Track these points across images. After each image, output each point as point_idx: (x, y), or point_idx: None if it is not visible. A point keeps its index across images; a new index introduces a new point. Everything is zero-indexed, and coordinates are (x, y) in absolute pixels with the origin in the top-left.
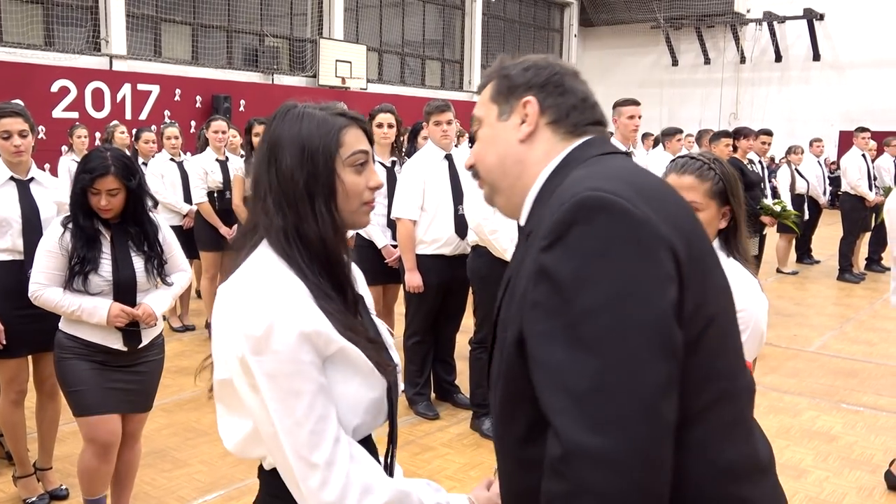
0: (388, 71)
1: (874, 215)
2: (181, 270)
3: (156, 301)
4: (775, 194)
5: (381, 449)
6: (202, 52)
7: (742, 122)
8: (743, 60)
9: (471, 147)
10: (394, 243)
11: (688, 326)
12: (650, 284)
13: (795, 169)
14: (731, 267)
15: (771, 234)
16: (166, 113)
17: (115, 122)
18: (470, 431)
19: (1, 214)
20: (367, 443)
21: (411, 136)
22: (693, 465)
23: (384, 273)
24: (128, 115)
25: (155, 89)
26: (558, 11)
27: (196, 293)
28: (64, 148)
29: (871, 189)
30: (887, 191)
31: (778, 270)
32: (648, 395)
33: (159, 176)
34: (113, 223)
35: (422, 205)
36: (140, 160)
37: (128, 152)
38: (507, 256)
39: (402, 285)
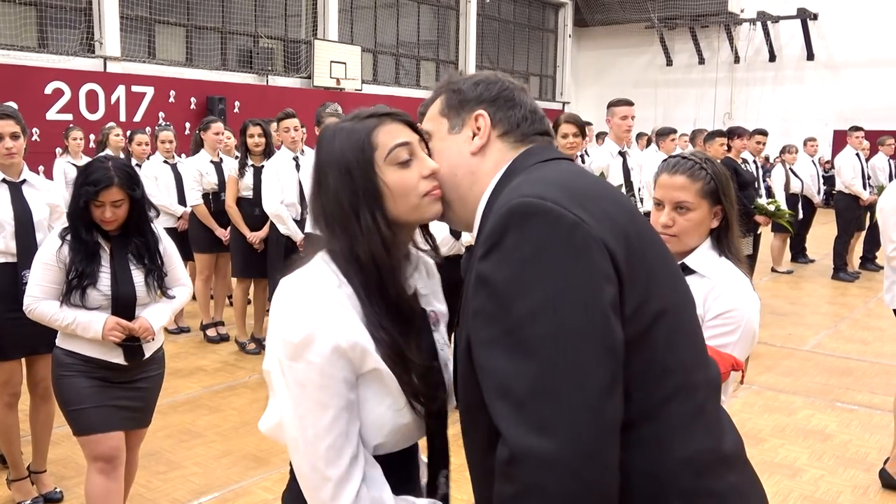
0: (383, 72)
1: (868, 214)
2: (181, 285)
3: (154, 315)
4: (769, 194)
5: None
6: (196, 53)
7: (736, 122)
8: (737, 60)
9: None
10: None
11: (632, 323)
12: (585, 286)
13: (790, 168)
14: (722, 266)
15: (765, 233)
16: (161, 114)
17: (112, 123)
18: None
19: None
20: (409, 457)
21: None
22: (652, 460)
23: None
24: (122, 117)
25: (149, 91)
26: (553, 12)
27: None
28: (58, 150)
29: (865, 188)
30: (881, 190)
31: (773, 270)
32: (591, 396)
33: (153, 178)
34: (112, 235)
35: None
36: (134, 162)
37: (122, 155)
38: None
39: None
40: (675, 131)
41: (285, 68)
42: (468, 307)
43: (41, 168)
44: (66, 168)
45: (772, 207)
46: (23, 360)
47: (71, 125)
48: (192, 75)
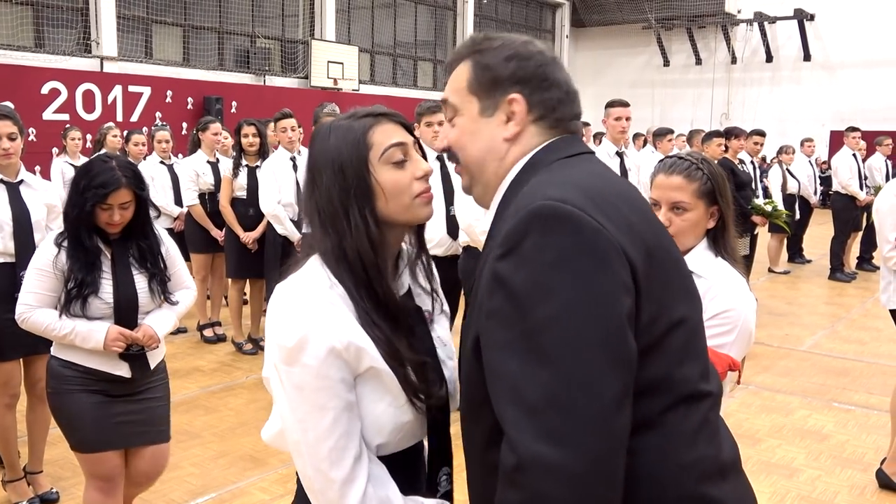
0: (380, 72)
1: (865, 215)
2: (185, 287)
3: (158, 322)
4: (766, 194)
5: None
6: (193, 53)
7: (733, 123)
8: (734, 61)
9: None
10: None
11: (646, 333)
12: (604, 296)
13: (787, 169)
14: (719, 267)
15: (762, 233)
16: (158, 115)
17: (110, 124)
18: None
19: None
20: (415, 456)
21: None
22: (654, 466)
23: None
24: (119, 117)
25: (146, 91)
26: (550, 12)
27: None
28: (55, 150)
29: (861, 189)
30: (878, 190)
31: (770, 270)
32: (603, 408)
33: (149, 179)
34: (113, 238)
35: None
36: None
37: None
38: None
39: None
40: (672, 132)
41: (282, 68)
42: (480, 305)
43: (38, 168)
44: (63, 168)
45: (769, 208)
46: (20, 360)
47: (69, 125)
48: (189, 75)
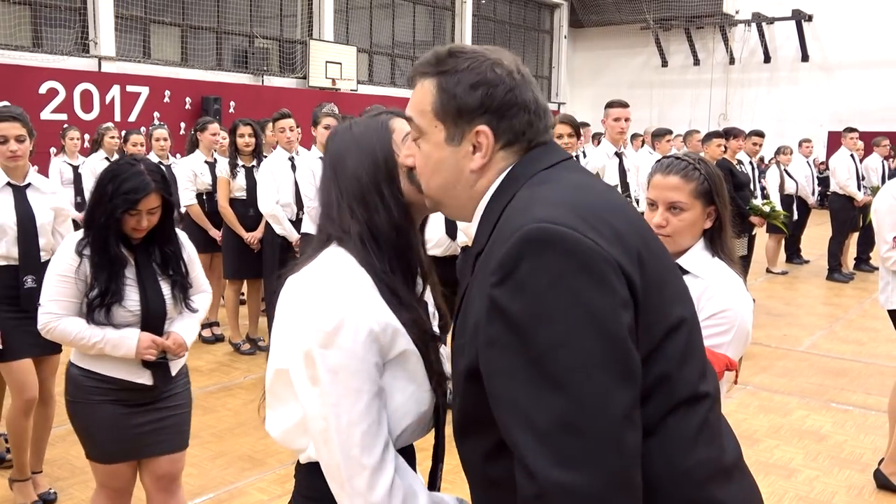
0: (379, 72)
1: (862, 215)
2: (202, 291)
3: (185, 329)
4: (764, 195)
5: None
6: (191, 53)
7: (731, 123)
8: (732, 61)
9: None
10: None
11: (645, 341)
12: (605, 314)
13: (784, 169)
14: (715, 267)
15: (760, 234)
16: (155, 115)
17: (108, 124)
18: None
19: None
20: (408, 451)
21: None
22: (656, 470)
23: None
24: (117, 117)
25: (144, 91)
26: (548, 12)
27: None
28: (53, 150)
29: (859, 189)
30: (875, 191)
31: (767, 270)
32: (615, 427)
33: None
34: (135, 244)
35: None
36: None
37: (116, 155)
38: None
39: None
40: (670, 132)
41: (281, 68)
42: (476, 327)
43: (35, 168)
44: (61, 168)
45: (766, 208)
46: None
47: (67, 125)
48: (188, 75)
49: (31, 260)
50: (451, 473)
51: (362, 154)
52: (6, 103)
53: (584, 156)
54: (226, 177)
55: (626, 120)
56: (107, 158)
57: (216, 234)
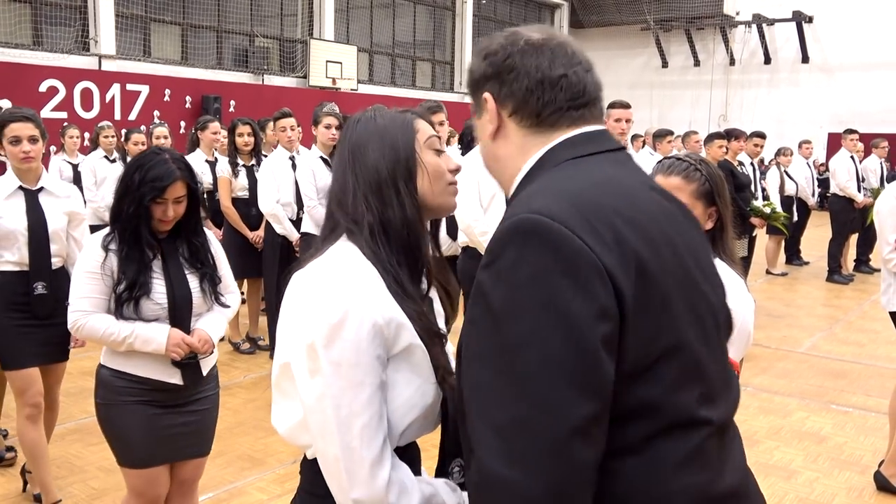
0: (379, 72)
1: (863, 217)
2: (230, 292)
3: (210, 326)
4: (765, 196)
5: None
6: (192, 52)
7: (731, 124)
8: (732, 62)
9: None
10: None
11: (635, 356)
12: (579, 321)
13: (784, 171)
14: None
15: (760, 235)
16: (156, 113)
17: (103, 124)
18: None
19: (7, 227)
20: (412, 449)
21: None
22: (637, 492)
23: None
24: (117, 116)
25: (144, 89)
26: (548, 13)
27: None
28: (52, 148)
29: (859, 191)
30: (876, 192)
31: (767, 272)
32: (565, 436)
33: None
34: (161, 237)
35: None
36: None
37: (116, 154)
38: None
39: None
40: (671, 133)
41: (281, 68)
42: (466, 312)
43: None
44: (61, 166)
45: (767, 210)
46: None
47: (67, 123)
48: (188, 74)
49: (42, 266)
50: None
51: (385, 147)
52: (6, 101)
53: None
54: (227, 176)
55: (628, 121)
56: (105, 157)
57: (217, 233)
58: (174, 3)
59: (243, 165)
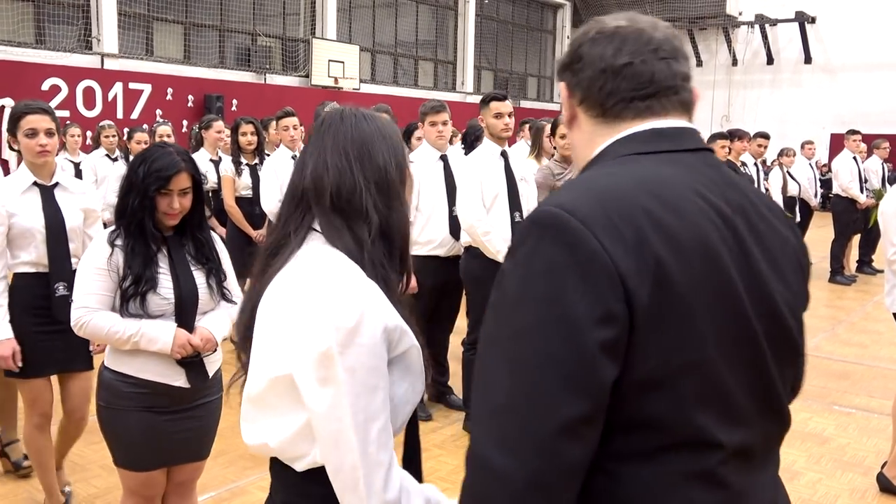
0: (381, 71)
1: (867, 218)
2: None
3: (213, 324)
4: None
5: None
6: (194, 51)
7: (734, 125)
8: (735, 63)
9: (463, 147)
10: None
11: (648, 367)
12: (581, 322)
13: (787, 171)
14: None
15: None
16: (158, 112)
17: (103, 123)
18: (462, 433)
19: (23, 225)
20: (412, 446)
21: (405, 137)
22: (637, 499)
23: None
24: (119, 115)
25: (147, 88)
26: (551, 13)
27: None
28: None
29: (862, 191)
30: (877, 193)
31: None
32: (550, 432)
33: None
34: (167, 234)
35: (416, 205)
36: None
37: (119, 153)
38: (500, 258)
39: None
40: None
41: (283, 67)
42: None
43: None
44: (63, 165)
45: None
46: (53, 378)
47: (69, 122)
48: (190, 73)
49: (62, 266)
50: (452, 474)
51: (389, 150)
52: (8, 99)
53: None
54: (230, 175)
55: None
56: (107, 156)
57: (221, 231)
58: (177, 1)
59: (247, 164)
